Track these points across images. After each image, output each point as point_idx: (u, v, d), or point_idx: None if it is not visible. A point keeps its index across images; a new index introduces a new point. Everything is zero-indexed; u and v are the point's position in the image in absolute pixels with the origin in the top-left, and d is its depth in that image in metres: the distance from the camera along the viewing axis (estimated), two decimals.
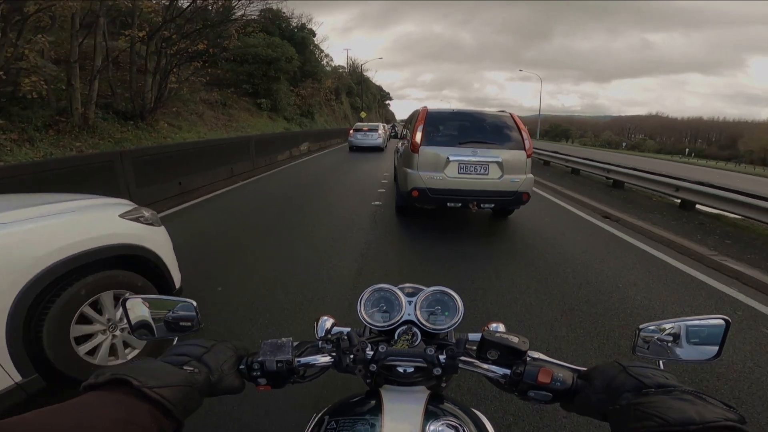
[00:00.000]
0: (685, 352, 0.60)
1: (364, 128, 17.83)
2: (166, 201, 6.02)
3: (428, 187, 4.67)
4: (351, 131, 18.21)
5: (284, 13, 28.29)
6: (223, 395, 0.58)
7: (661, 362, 0.60)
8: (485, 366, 0.62)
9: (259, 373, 0.61)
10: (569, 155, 12.24)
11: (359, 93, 45.83)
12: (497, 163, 4.64)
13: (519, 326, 2.68)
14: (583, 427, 1.78)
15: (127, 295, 0.74)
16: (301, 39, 27.23)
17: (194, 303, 0.70)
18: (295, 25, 29.11)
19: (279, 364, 0.60)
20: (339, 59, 77.33)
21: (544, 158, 13.87)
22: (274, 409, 1.84)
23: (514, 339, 0.61)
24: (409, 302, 0.74)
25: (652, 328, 0.63)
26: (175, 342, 0.63)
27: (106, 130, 8.91)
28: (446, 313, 0.74)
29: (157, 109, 10.82)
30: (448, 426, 0.57)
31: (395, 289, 0.76)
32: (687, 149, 69.97)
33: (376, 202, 6.58)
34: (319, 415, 0.66)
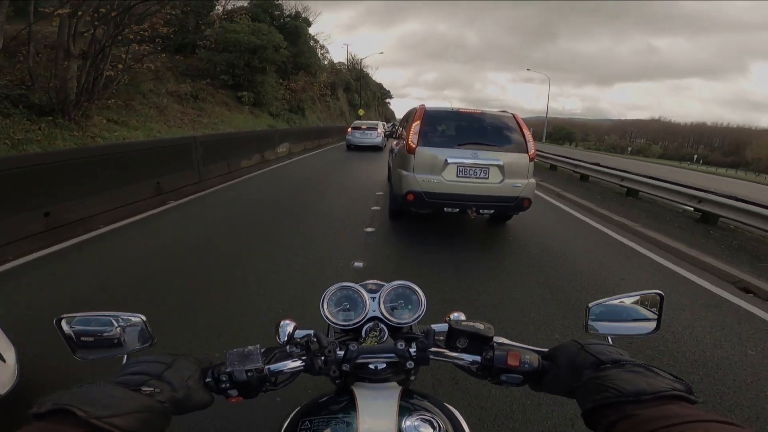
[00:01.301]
0: (629, 327, 0.67)
1: (363, 126, 17.19)
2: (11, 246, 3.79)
3: (424, 191, 4.38)
4: (349, 129, 17.49)
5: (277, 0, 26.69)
6: (192, 411, 0.54)
7: (609, 338, 0.63)
8: (455, 355, 0.63)
9: (228, 385, 0.58)
10: (578, 160, 10.64)
11: (358, 89, 44.21)
12: (498, 166, 4.36)
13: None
14: (543, 408, 1.91)
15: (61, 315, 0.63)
16: (294, 28, 25.45)
17: (143, 317, 0.64)
18: (288, 13, 27.49)
19: (249, 374, 0.58)
20: (340, 55, 76.29)
21: (550, 162, 12.26)
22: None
23: (480, 326, 0.63)
24: (372, 298, 0.75)
25: (597, 306, 0.68)
26: (125, 360, 0.59)
27: (2, 130, 6.99)
28: (409, 307, 0.75)
29: (89, 102, 8.97)
30: (423, 420, 0.58)
31: (357, 286, 0.76)
32: (695, 155, 68.77)
33: (369, 229, 4.47)
34: (291, 415, 0.66)
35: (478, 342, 0.62)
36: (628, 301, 0.68)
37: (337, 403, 0.66)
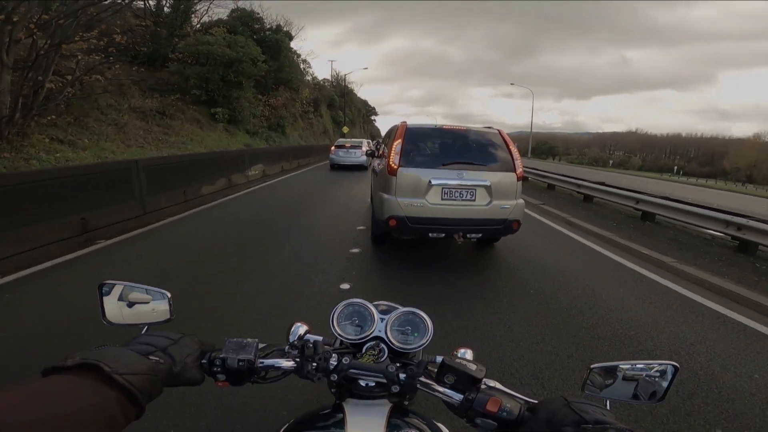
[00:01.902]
0: (632, 393, 0.63)
1: (347, 144, 16.68)
2: None
3: (407, 216, 4.13)
4: (332, 148, 16.84)
5: (257, 13, 25.86)
6: (183, 386, 0.59)
7: (608, 402, 0.62)
8: (440, 389, 0.64)
9: (219, 369, 0.62)
10: (580, 179, 9.76)
11: (342, 106, 43.50)
12: (485, 187, 4.17)
13: None
14: None
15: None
16: (275, 42, 24.57)
17: (168, 294, 0.71)
18: (269, 26, 26.63)
19: (240, 363, 0.61)
20: (325, 72, 75.85)
21: (548, 181, 11.36)
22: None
23: (472, 366, 0.63)
24: (382, 319, 0.76)
25: (602, 367, 0.64)
26: (144, 331, 0.64)
27: None
28: (416, 334, 0.75)
29: (26, 118, 7.68)
30: None
31: (369, 305, 0.78)
32: (675, 167, 70.02)
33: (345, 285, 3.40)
34: (284, 428, 0.67)
35: (465, 381, 0.62)
36: (635, 366, 0.64)
37: (329, 418, 0.67)
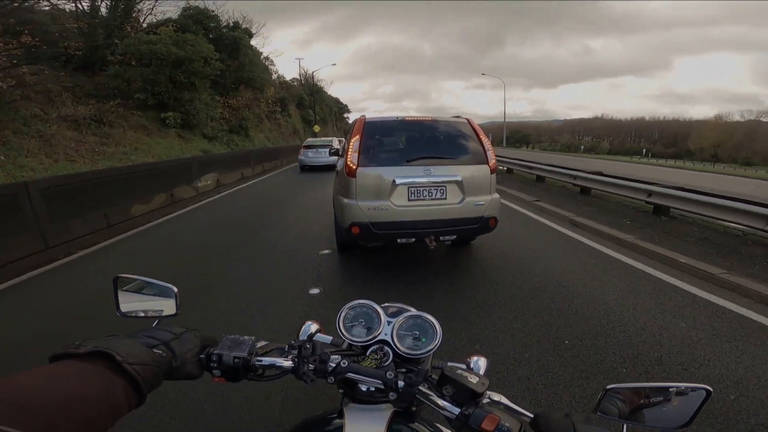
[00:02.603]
0: (654, 416, 0.56)
1: (317, 144, 15.85)
2: None
3: (371, 222, 3.64)
4: (301, 149, 15.99)
5: (212, 11, 23.97)
6: (181, 380, 0.60)
7: (625, 427, 0.56)
8: (438, 401, 0.61)
9: (216, 365, 0.62)
10: (574, 169, 8.80)
11: (312, 105, 41.86)
12: (456, 182, 3.74)
13: None
14: None
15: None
16: (233, 40, 22.86)
17: (175, 289, 0.72)
18: (225, 23, 24.78)
19: (236, 360, 0.61)
20: (293, 71, 73.26)
21: (536, 173, 10.39)
22: None
23: (473, 379, 0.60)
24: (389, 322, 0.73)
25: (621, 390, 0.58)
26: (155, 324, 0.65)
27: None
28: (423, 339, 0.72)
29: None
30: None
31: (377, 306, 0.75)
32: (644, 149, 71.77)
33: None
34: None
35: (464, 394, 0.60)
36: (661, 389, 0.57)
37: (329, 423, 0.65)
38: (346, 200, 3.77)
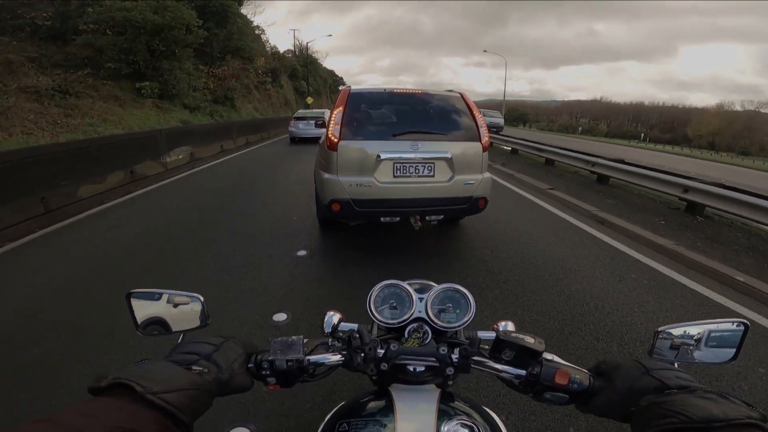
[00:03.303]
0: (702, 354, 0.60)
1: (308, 116, 15.32)
2: None
3: (353, 198, 3.40)
4: (292, 120, 15.42)
5: None
6: (233, 394, 0.56)
7: (676, 364, 0.57)
8: (499, 366, 0.60)
9: (268, 372, 0.58)
10: (590, 154, 7.89)
11: (305, 76, 40.00)
12: (446, 159, 3.51)
13: None
14: (592, 424, 1.72)
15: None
16: (221, 7, 21.08)
17: (201, 298, 0.67)
18: None
19: (289, 363, 0.58)
20: (288, 43, 70.09)
21: (546, 156, 9.45)
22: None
23: (530, 339, 0.59)
24: (420, 299, 0.71)
25: (670, 330, 0.61)
26: (180, 339, 0.61)
27: None
28: (458, 311, 0.71)
29: None
30: (463, 425, 0.56)
31: (405, 285, 0.73)
32: (642, 134, 70.82)
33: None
34: (329, 416, 0.65)
35: (525, 356, 0.58)
36: (704, 327, 0.60)
37: (375, 405, 0.64)
38: (326, 175, 3.52)
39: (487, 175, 3.79)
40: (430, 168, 3.53)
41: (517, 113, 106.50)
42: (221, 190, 6.82)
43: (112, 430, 0.37)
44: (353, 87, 3.78)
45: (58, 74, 12.28)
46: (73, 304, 2.81)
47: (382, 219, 3.60)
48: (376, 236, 4.14)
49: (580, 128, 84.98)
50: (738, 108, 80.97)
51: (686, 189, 5.38)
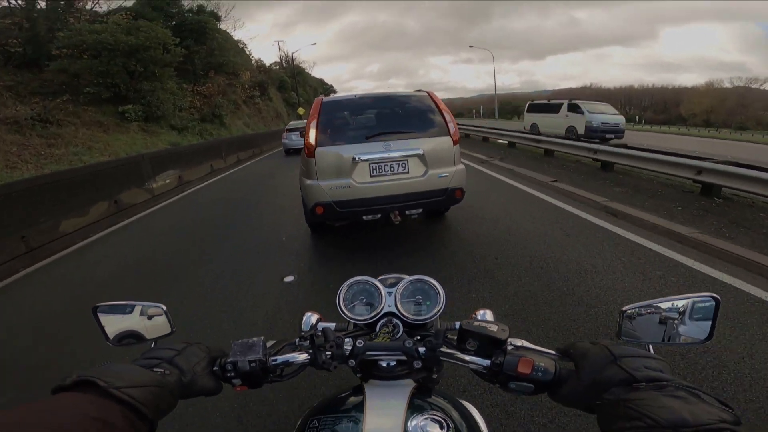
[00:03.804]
0: (674, 334, 0.56)
1: (300, 127, 14.91)
2: None
3: (334, 201, 3.60)
4: (284, 132, 15.40)
5: None
6: (199, 396, 0.58)
7: (650, 347, 0.55)
8: (467, 357, 0.59)
9: (233, 374, 0.59)
10: (589, 141, 7.54)
11: (294, 87, 39.87)
12: (418, 156, 3.68)
13: None
14: (577, 415, 1.64)
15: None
16: (198, 24, 20.93)
17: (164, 307, 0.68)
18: (188, 8, 22.71)
19: (252, 364, 0.58)
20: (275, 55, 70.18)
21: (545, 146, 9.09)
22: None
23: (493, 327, 0.58)
24: (389, 293, 0.71)
25: (636, 310, 0.58)
26: (153, 346, 0.62)
27: None
28: (428, 303, 0.71)
29: None
30: (433, 420, 0.56)
31: (374, 280, 0.74)
32: (637, 116, 70.42)
33: None
34: (306, 413, 0.65)
35: (488, 344, 0.57)
36: (672, 304, 0.56)
37: (350, 401, 0.63)
38: (308, 181, 3.72)
39: (461, 166, 3.93)
40: (404, 165, 3.68)
41: (510, 106, 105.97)
42: (209, 213, 6.48)
43: (82, 418, 0.39)
44: (324, 97, 4.05)
45: (37, 102, 12.01)
46: (57, 344, 2.52)
47: (364, 217, 3.75)
48: (371, 257, 3.81)
49: None
50: (728, 85, 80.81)
51: (700, 170, 5.02)
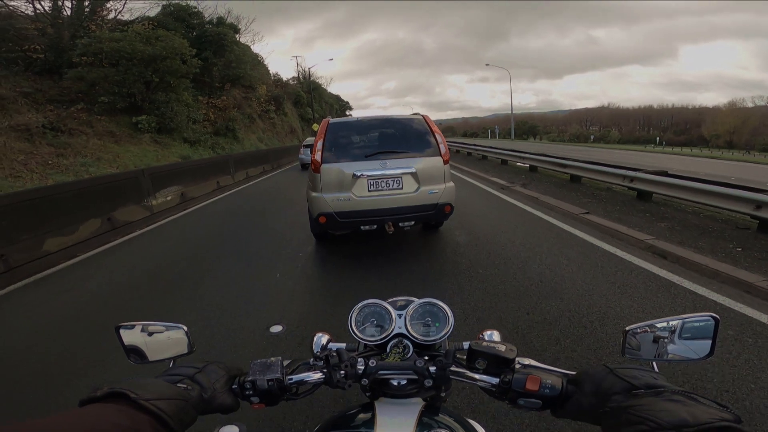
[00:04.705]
0: (677, 349, 0.59)
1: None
2: None
3: (335, 211, 4.04)
4: (301, 148, 15.59)
5: (194, 7, 22.30)
6: (217, 412, 0.59)
7: (654, 364, 0.57)
8: (476, 376, 0.62)
9: (251, 392, 0.61)
10: (630, 169, 6.84)
11: (310, 102, 40.10)
12: (411, 174, 4.10)
13: None
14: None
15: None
16: (217, 36, 21.11)
17: (185, 328, 0.70)
18: (209, 19, 23.07)
19: (270, 383, 0.61)
20: (292, 70, 71.58)
21: (570, 172, 8.43)
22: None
23: (501, 347, 0.61)
24: (399, 315, 0.74)
25: (639, 329, 0.61)
26: (171, 364, 0.64)
27: None
28: (437, 324, 0.73)
29: None
30: None
31: (384, 303, 0.76)
32: (657, 137, 68.68)
33: None
34: (317, 428, 0.66)
35: (497, 363, 0.60)
36: (673, 323, 0.59)
37: (359, 418, 0.65)
38: (314, 193, 4.13)
39: (451, 184, 4.30)
40: (398, 182, 4.08)
41: (527, 126, 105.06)
42: (204, 237, 6.03)
43: (113, 427, 0.40)
44: (332, 119, 4.41)
45: (51, 110, 11.98)
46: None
47: (362, 227, 4.15)
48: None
49: (591, 137, 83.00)
50: (749, 104, 78.27)
51: (759, 205, 4.33)
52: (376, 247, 4.71)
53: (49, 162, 10.25)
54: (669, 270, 3.65)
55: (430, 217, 4.34)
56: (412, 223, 4.26)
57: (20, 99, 12.09)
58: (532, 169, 10.45)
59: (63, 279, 4.39)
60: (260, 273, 4.08)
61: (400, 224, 4.20)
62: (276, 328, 2.83)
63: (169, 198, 7.98)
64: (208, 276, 4.07)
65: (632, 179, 6.29)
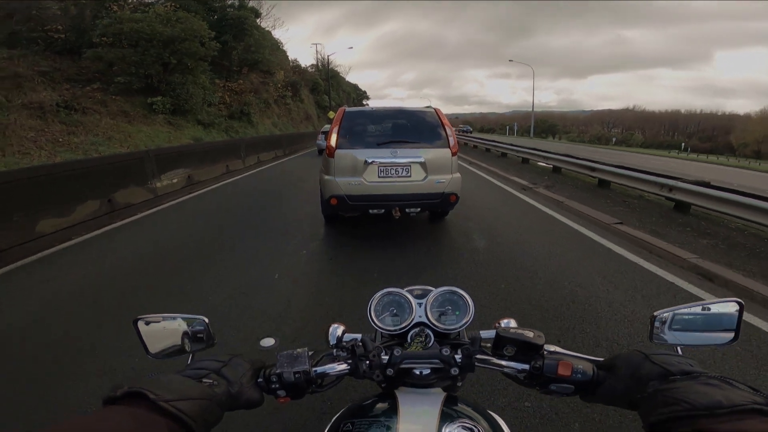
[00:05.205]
0: (702, 336, 0.60)
1: None
2: None
3: (346, 194, 4.26)
4: (319, 135, 15.93)
5: None
6: (242, 409, 0.57)
7: (679, 348, 0.57)
8: (503, 363, 0.61)
9: (277, 386, 0.60)
10: (667, 177, 6.30)
11: (327, 90, 39.69)
12: (420, 163, 4.29)
13: None
14: (596, 422, 1.73)
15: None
16: (238, 19, 20.78)
17: (206, 319, 0.68)
18: (231, 2, 22.73)
19: (297, 375, 0.59)
20: (311, 57, 70.96)
21: (599, 176, 7.88)
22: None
23: (530, 334, 0.60)
24: (419, 304, 0.73)
25: (666, 314, 0.61)
26: (190, 359, 0.62)
27: None
28: (457, 313, 0.72)
29: None
30: (464, 428, 0.56)
31: (404, 292, 0.75)
32: (683, 143, 66.23)
33: None
34: (336, 417, 0.65)
35: (526, 350, 0.59)
36: (699, 309, 0.60)
37: (380, 407, 0.64)
38: (327, 177, 4.32)
39: (457, 175, 4.47)
40: (407, 170, 4.26)
41: (546, 124, 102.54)
42: (206, 222, 5.77)
43: None
44: (347, 108, 4.62)
45: (67, 89, 11.90)
46: None
47: (370, 211, 4.38)
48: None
49: (614, 139, 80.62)
50: None
51: None
52: (390, 255, 4.35)
53: (60, 140, 10.14)
54: (716, 295, 3.21)
55: (436, 206, 4.55)
56: (419, 209, 4.50)
57: (37, 78, 12.03)
58: (556, 170, 9.90)
59: (52, 265, 4.13)
60: (258, 275, 3.75)
61: (407, 210, 4.40)
62: (267, 342, 2.50)
63: (175, 180, 7.73)
64: (200, 267, 3.77)
65: (671, 188, 5.74)
